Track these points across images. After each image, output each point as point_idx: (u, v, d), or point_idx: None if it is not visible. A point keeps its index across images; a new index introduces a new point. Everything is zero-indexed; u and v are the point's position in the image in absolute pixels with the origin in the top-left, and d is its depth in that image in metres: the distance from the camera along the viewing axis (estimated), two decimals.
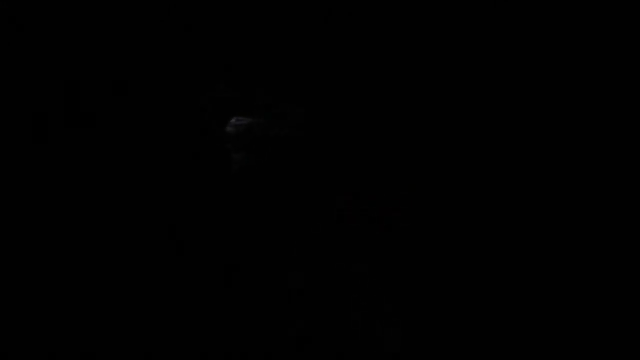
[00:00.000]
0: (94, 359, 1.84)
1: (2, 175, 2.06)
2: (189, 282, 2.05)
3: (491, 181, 2.08)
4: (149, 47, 2.16)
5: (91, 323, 1.92)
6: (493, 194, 2.08)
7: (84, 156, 2.13)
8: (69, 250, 2.04)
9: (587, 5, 2.01)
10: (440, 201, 2.11)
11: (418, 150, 2.13)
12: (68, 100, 2.13)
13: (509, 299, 1.98)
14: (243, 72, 2.18)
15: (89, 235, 2.06)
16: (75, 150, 2.12)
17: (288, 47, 2.17)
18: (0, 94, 2.09)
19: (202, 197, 2.11)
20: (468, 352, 1.89)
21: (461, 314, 1.97)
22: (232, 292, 2.05)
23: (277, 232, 2.13)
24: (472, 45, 2.10)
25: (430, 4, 2.09)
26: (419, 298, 2.02)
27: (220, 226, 2.11)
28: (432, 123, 2.13)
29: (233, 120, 2.26)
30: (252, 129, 2.22)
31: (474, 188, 2.09)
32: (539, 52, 2.07)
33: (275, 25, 2.16)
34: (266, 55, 2.17)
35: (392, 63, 2.14)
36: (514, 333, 1.92)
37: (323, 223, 2.12)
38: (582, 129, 2.05)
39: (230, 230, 2.12)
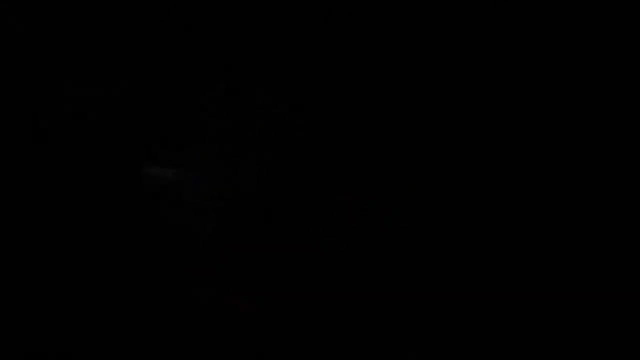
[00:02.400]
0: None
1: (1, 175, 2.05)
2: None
3: (492, 181, 2.08)
4: (148, 46, 2.16)
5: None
6: (494, 194, 2.08)
7: (78, 156, 2.13)
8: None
9: (587, 5, 2.01)
10: (440, 201, 2.10)
11: (418, 150, 2.13)
12: (65, 100, 2.13)
13: (511, 298, 1.98)
14: (243, 72, 2.18)
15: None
16: (70, 149, 2.12)
17: (288, 47, 2.17)
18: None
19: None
20: (469, 352, 1.89)
21: (462, 314, 1.96)
22: (230, 293, 2.05)
23: (277, 231, 2.12)
24: (472, 45, 2.10)
25: (430, 3, 2.10)
26: (419, 298, 2.01)
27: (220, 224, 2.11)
28: (432, 123, 2.13)
29: (155, 168, 2.00)
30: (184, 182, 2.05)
31: (475, 188, 2.09)
32: (539, 52, 2.08)
33: (274, 25, 2.16)
34: (266, 55, 2.17)
35: (393, 62, 2.14)
36: (515, 333, 1.92)
37: (323, 223, 2.12)
38: (583, 129, 2.06)
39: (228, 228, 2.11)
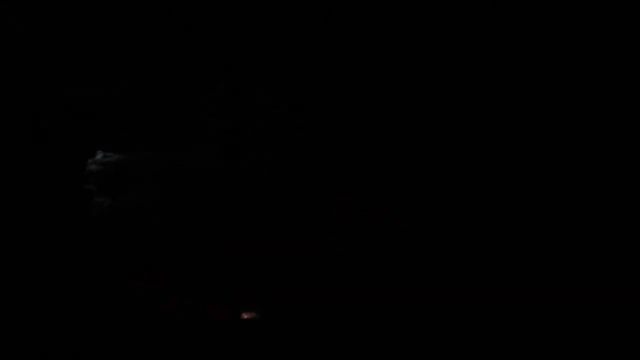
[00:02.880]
0: None
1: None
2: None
3: (491, 181, 2.08)
4: (148, 46, 2.16)
5: None
6: (493, 194, 2.08)
7: (79, 156, 2.13)
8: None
9: (587, 5, 2.01)
10: (440, 201, 2.10)
11: (418, 150, 2.13)
12: (64, 100, 2.13)
13: (509, 298, 1.97)
14: (243, 72, 2.18)
15: None
16: (70, 149, 2.12)
17: (287, 47, 2.17)
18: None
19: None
20: (469, 352, 1.89)
21: (462, 314, 1.96)
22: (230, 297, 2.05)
23: (277, 231, 2.12)
24: (472, 45, 2.10)
25: (430, 3, 2.09)
26: (419, 298, 2.01)
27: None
28: (432, 123, 2.13)
29: (99, 157, 2.02)
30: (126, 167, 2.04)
31: (474, 188, 2.09)
32: (539, 52, 2.08)
33: (274, 26, 2.16)
34: (266, 55, 2.17)
35: (392, 62, 2.14)
36: (514, 333, 1.92)
37: (323, 223, 2.12)
38: (582, 129, 2.06)
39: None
